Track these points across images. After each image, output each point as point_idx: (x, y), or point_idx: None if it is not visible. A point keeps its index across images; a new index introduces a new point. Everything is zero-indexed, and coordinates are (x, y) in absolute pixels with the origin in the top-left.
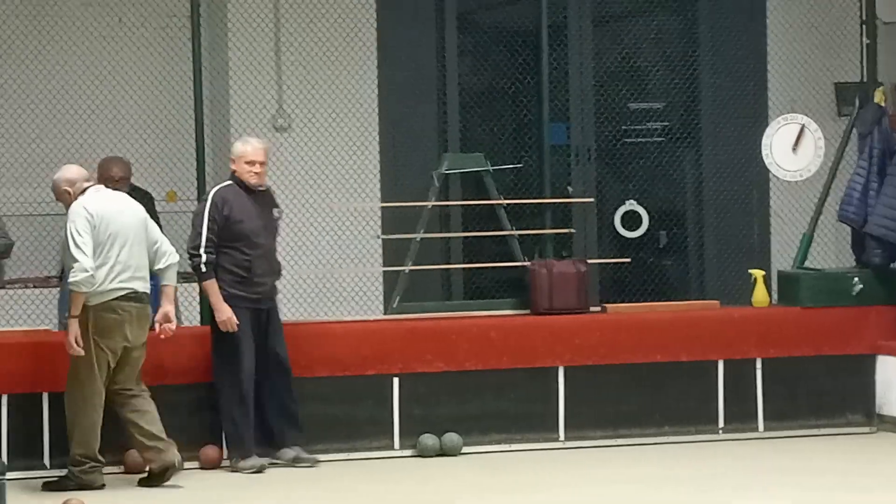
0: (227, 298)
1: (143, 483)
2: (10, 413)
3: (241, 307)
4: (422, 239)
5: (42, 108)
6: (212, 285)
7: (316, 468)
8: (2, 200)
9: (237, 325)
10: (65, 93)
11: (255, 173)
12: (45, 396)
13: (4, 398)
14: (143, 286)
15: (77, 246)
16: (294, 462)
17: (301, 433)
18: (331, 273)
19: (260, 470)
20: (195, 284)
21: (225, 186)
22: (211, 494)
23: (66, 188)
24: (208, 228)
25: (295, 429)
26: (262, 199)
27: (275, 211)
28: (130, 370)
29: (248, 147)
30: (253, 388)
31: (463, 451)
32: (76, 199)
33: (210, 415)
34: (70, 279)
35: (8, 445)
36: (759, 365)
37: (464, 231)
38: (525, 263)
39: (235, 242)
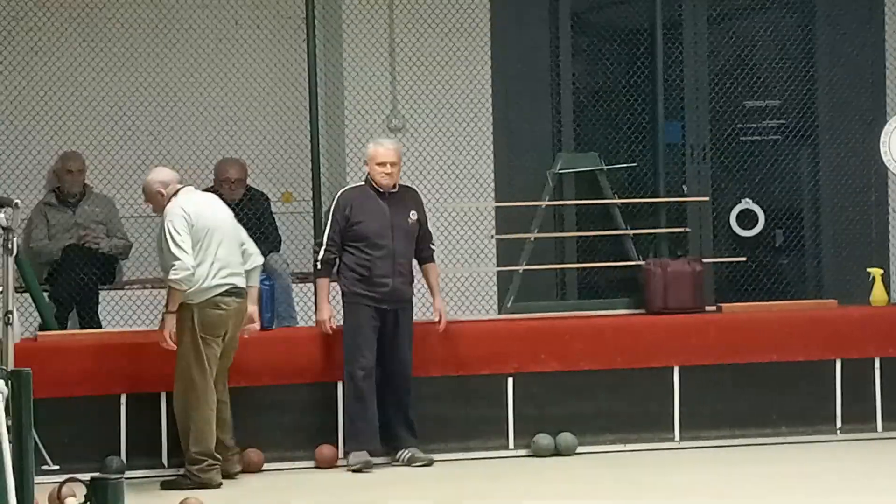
0: (351, 296)
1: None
2: (128, 412)
3: (362, 305)
4: (536, 238)
5: (158, 109)
6: (322, 284)
7: (431, 467)
8: (120, 202)
9: (330, 326)
10: (181, 94)
11: (387, 174)
12: (164, 396)
13: (123, 397)
14: (242, 282)
15: (177, 244)
16: (409, 462)
17: (415, 436)
18: (445, 273)
19: (365, 467)
20: (310, 284)
21: (353, 187)
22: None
23: (160, 189)
24: (330, 228)
25: (409, 432)
26: (396, 200)
27: (411, 213)
28: (222, 367)
29: (379, 148)
30: (372, 385)
31: (577, 450)
32: (169, 200)
33: (326, 414)
34: (171, 276)
35: (127, 445)
36: (877, 364)
37: (578, 230)
38: (639, 263)
39: (358, 242)
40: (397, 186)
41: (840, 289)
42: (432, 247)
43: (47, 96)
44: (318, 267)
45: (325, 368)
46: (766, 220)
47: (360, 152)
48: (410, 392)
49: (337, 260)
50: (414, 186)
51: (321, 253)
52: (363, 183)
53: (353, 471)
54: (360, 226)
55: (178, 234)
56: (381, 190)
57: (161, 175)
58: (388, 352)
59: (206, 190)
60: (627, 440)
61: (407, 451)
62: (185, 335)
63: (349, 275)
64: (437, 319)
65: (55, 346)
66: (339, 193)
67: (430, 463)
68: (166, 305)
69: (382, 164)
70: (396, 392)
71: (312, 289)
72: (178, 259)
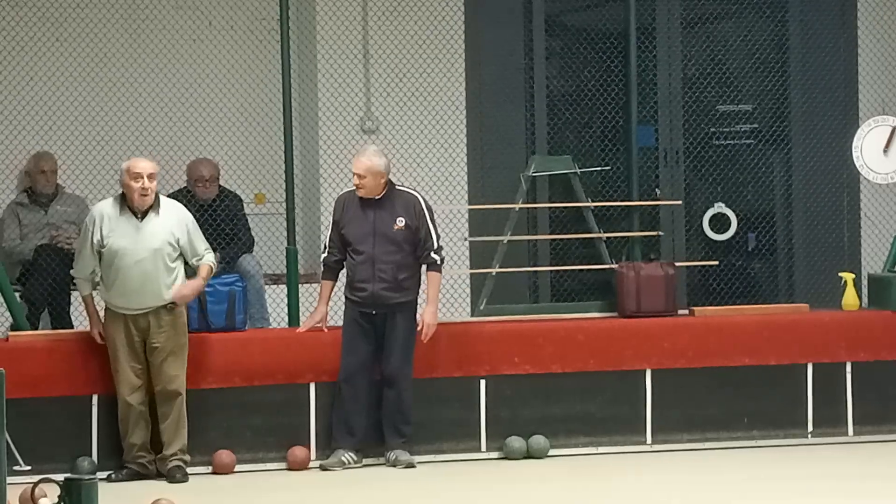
0: (345, 299)
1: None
2: (100, 413)
3: (350, 309)
4: (509, 241)
5: (131, 109)
6: (322, 285)
7: (406, 469)
8: (92, 202)
9: (326, 326)
10: (154, 95)
11: (356, 185)
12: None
13: (95, 398)
14: None
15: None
16: (394, 463)
17: (403, 439)
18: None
19: (330, 465)
20: (283, 286)
21: (349, 191)
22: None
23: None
24: (330, 230)
25: (394, 434)
26: (382, 206)
27: (397, 220)
28: None
29: (355, 158)
30: (353, 389)
31: (549, 453)
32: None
33: (298, 415)
34: (214, 260)
35: (98, 445)
36: (848, 369)
37: (551, 233)
38: (612, 266)
39: (346, 247)
40: (386, 192)
41: (812, 293)
42: (434, 255)
43: (19, 96)
44: (322, 268)
45: (297, 370)
46: (738, 224)
47: (333, 154)
48: (402, 396)
49: (341, 262)
50: (414, 191)
51: (323, 255)
52: None
53: (321, 468)
54: (345, 231)
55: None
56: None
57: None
58: (382, 356)
59: (179, 190)
60: (599, 443)
61: (392, 453)
62: (185, 334)
63: (346, 279)
64: (419, 328)
65: (27, 346)
66: (338, 196)
67: (411, 465)
68: (202, 276)
69: (354, 174)
70: (386, 395)
71: (285, 290)
72: (209, 248)
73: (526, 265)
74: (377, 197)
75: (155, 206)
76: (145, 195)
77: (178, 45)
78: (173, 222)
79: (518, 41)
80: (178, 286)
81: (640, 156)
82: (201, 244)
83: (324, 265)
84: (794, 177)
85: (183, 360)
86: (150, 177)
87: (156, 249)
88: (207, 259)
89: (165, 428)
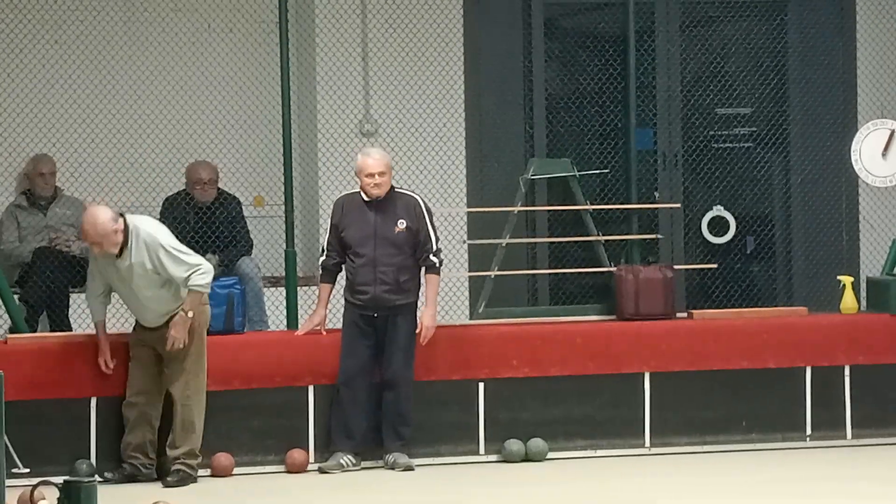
0: (344, 302)
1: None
2: (98, 416)
3: (350, 311)
4: (508, 244)
5: (130, 112)
6: (321, 288)
7: (405, 472)
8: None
9: (325, 329)
10: (153, 97)
11: (375, 185)
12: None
13: (93, 401)
14: None
15: (186, 254)
16: (392, 466)
17: (401, 441)
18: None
19: (329, 468)
20: (281, 289)
21: (348, 194)
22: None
23: (115, 227)
24: (329, 233)
25: (393, 437)
26: (384, 208)
27: (398, 222)
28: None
29: (367, 160)
30: (353, 392)
31: (548, 456)
32: (123, 231)
33: (297, 418)
34: (202, 281)
35: (96, 448)
36: (847, 372)
37: (550, 236)
38: (611, 269)
39: (346, 250)
40: (389, 194)
41: (810, 296)
42: (433, 257)
43: (18, 98)
44: (319, 271)
45: (295, 373)
46: (737, 227)
47: (332, 156)
48: (401, 398)
49: (339, 265)
50: (414, 193)
51: (322, 258)
52: (357, 191)
53: (319, 470)
54: (345, 234)
55: (179, 244)
56: (367, 199)
57: (107, 213)
58: (382, 358)
59: (178, 193)
60: (598, 446)
61: (391, 456)
62: (196, 336)
63: (345, 281)
64: (417, 330)
65: (25, 348)
66: (336, 199)
67: (410, 468)
68: (188, 308)
69: (370, 175)
70: (386, 397)
71: (283, 293)
72: (199, 263)
73: (525, 268)
74: (378, 199)
75: (126, 244)
76: (108, 251)
77: (177, 47)
78: (142, 257)
79: (517, 44)
80: (169, 336)
81: (638, 159)
82: (178, 269)
83: (322, 268)
84: (792, 180)
85: (185, 369)
86: (100, 237)
87: (133, 285)
88: (192, 283)
89: (171, 432)
